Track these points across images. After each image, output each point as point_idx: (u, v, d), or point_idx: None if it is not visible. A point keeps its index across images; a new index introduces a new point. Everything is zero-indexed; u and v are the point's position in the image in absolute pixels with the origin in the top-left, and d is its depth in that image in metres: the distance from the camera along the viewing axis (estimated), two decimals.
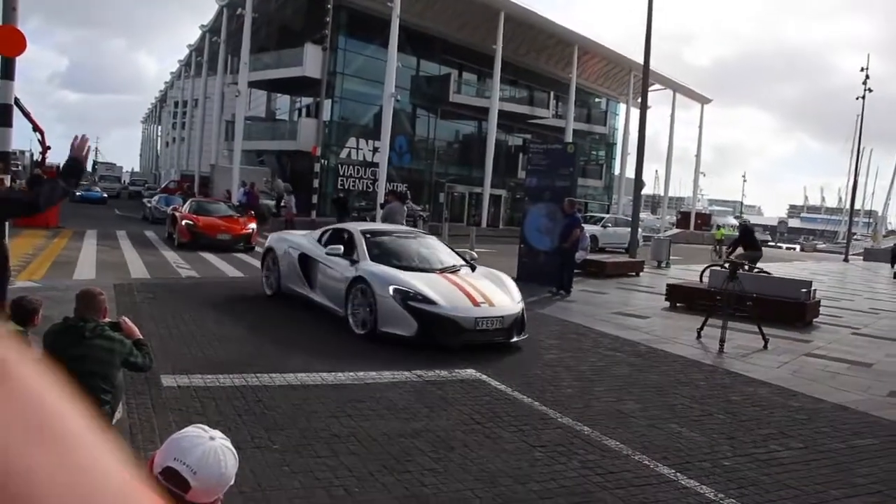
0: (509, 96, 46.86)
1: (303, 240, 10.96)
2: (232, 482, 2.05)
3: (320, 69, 35.77)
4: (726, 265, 16.65)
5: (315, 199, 34.18)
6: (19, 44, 9.75)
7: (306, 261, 10.42)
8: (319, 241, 10.56)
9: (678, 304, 13.76)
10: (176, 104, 76.59)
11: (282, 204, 32.59)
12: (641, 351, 9.50)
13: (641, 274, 19.57)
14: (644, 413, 6.56)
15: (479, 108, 43.74)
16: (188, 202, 22.03)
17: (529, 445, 5.46)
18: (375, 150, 39.48)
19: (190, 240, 18.46)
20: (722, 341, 9.74)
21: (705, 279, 16.14)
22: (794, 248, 73.17)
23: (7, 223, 9.79)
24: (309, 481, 4.42)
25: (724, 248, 17.98)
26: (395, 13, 35.08)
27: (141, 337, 5.20)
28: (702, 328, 10.51)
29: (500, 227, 43.34)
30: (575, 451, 5.41)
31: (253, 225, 19.87)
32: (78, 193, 41.73)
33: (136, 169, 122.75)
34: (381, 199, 35.34)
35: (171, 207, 23.45)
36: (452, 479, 4.67)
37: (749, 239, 17.67)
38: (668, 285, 14.51)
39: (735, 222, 70.91)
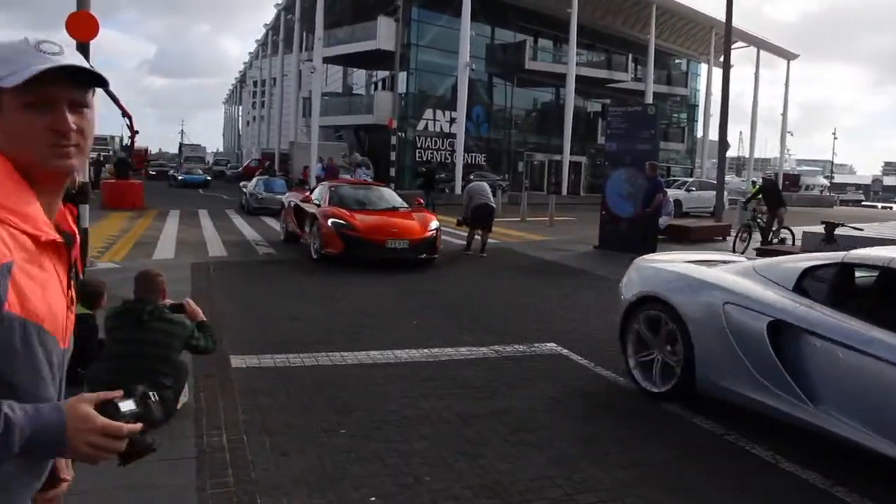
0: (586, 61, 45.64)
1: (754, 286, 5.13)
2: None
3: (394, 42, 35.53)
4: (757, 220, 15.92)
5: (393, 171, 34.07)
6: (92, 28, 9.76)
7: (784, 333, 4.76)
8: (800, 286, 4.88)
9: None
10: (255, 84, 77.98)
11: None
12: None
13: (728, 238, 18.66)
14: None
15: (556, 74, 42.70)
16: (326, 188, 14.11)
17: (617, 423, 5.07)
18: (452, 120, 39.12)
19: (343, 251, 11.88)
20: None
21: (740, 244, 15.31)
22: (891, 207, 69.23)
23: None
24: (377, 468, 4.16)
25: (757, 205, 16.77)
26: None
27: (204, 319, 5.05)
28: None
29: (581, 194, 42.43)
30: (663, 427, 4.99)
31: (435, 223, 12.90)
32: (179, 177, 43.66)
33: (220, 149, 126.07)
34: (459, 171, 35.07)
35: (284, 195, 18.13)
36: (530, 464, 4.33)
37: (773, 195, 16.58)
38: (756, 250, 13.73)
39: (825, 182, 67.66)
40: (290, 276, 11.13)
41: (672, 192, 25.47)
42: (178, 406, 4.72)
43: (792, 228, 16.50)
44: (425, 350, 6.87)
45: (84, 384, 4.73)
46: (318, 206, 12.94)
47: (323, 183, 15.84)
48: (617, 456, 4.52)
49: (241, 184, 27.22)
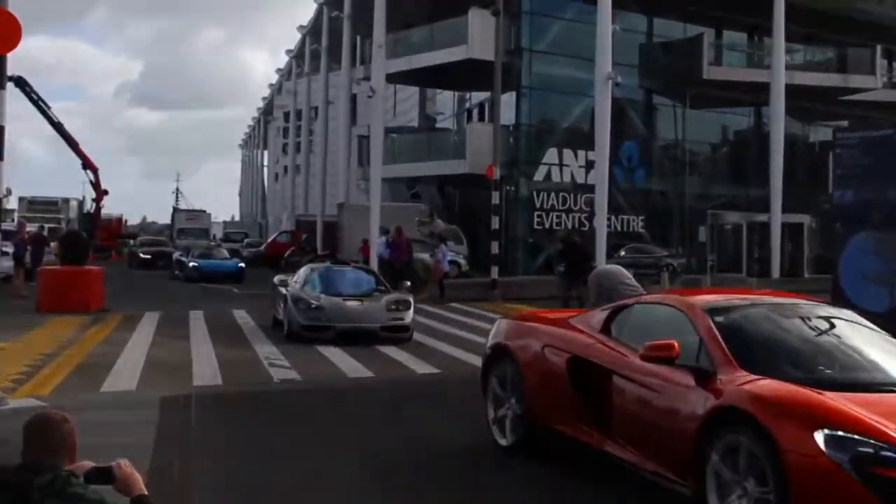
0: (804, 61, 45.34)
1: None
2: None
3: (493, 47, 35.85)
4: None
5: (496, 246, 33.90)
6: (11, 34, 10.01)
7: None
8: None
9: None
10: (286, 117, 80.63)
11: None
12: None
13: None
14: None
15: (754, 85, 42.40)
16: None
17: None
18: (590, 165, 39.19)
19: None
20: None
21: None
22: None
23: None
24: None
25: None
26: None
27: (144, 493, 4.78)
28: None
29: (805, 275, 41.27)
30: None
31: None
32: (191, 263, 39.58)
33: (236, 217, 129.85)
34: (602, 243, 34.49)
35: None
36: None
37: None
38: None
39: None
40: (317, 414, 11.09)
41: None
42: None
43: None
44: None
45: None
46: None
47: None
48: None
49: (277, 279, 22.06)
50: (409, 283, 22.68)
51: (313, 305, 18.81)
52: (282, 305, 19.95)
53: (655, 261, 36.93)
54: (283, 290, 20.35)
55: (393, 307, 19.15)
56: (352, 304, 19.33)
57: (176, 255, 44.31)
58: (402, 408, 11.55)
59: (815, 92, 44.36)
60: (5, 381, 12.34)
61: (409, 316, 19.19)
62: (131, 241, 71.04)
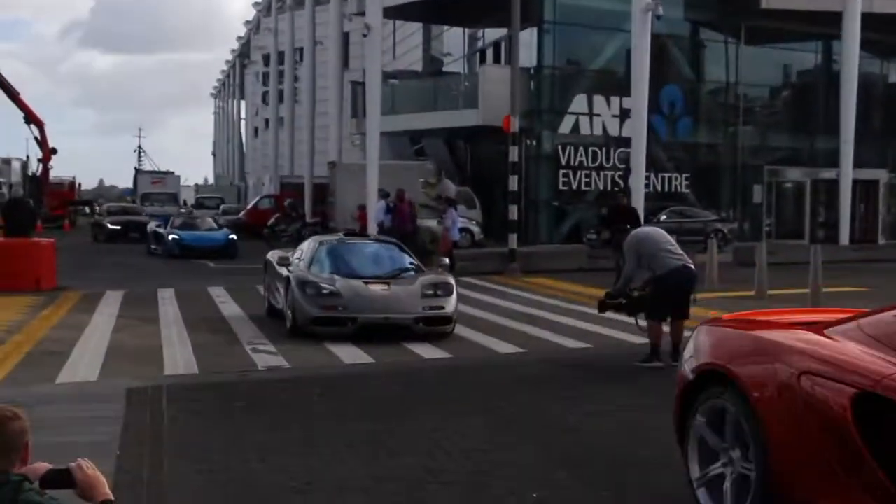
0: None
1: None
2: None
3: None
4: None
5: (514, 211, 33.89)
6: None
7: None
8: None
9: None
10: (266, 60, 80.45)
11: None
12: None
13: None
14: None
15: (823, 14, 42.02)
16: None
17: None
18: (625, 114, 39.11)
19: None
20: None
21: None
22: None
23: None
24: None
25: None
26: None
27: (110, 497, 4.89)
28: None
29: (880, 241, 41.34)
30: None
31: None
32: (171, 236, 37.51)
33: (209, 179, 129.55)
34: (641, 204, 34.54)
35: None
36: None
37: None
38: None
39: None
40: (304, 407, 11.18)
41: None
42: None
43: None
44: None
45: None
46: None
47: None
48: None
49: (273, 257, 20.33)
50: (447, 261, 20.92)
51: (325, 291, 16.28)
52: (281, 291, 17.70)
53: (702, 226, 37.06)
54: (283, 270, 17.99)
55: (430, 292, 16.63)
56: (376, 288, 16.68)
57: (152, 225, 42.01)
58: (405, 400, 11.61)
59: (893, 21, 44.08)
60: None
61: (452, 303, 16.81)
62: (86, 209, 71.00)
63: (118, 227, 46.79)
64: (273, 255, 20.13)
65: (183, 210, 52.65)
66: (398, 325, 16.18)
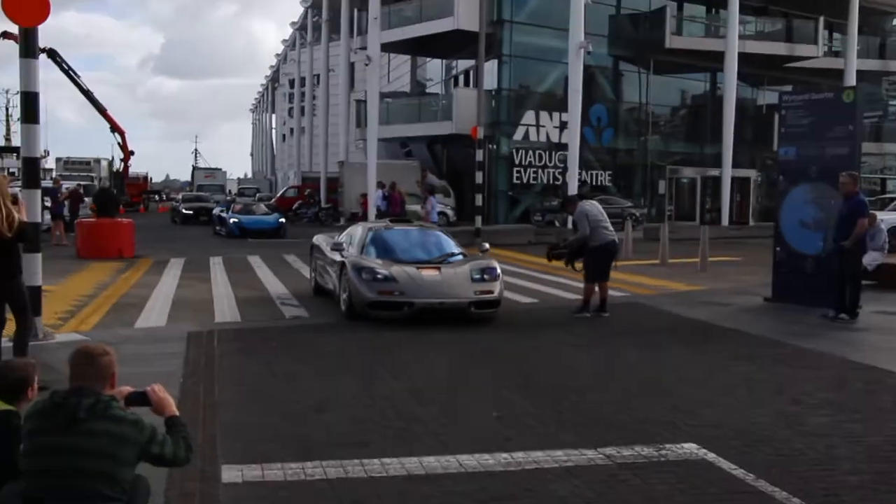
0: (755, 31, 45.29)
1: None
2: None
3: (478, 18, 35.78)
4: None
5: (479, 199, 34.04)
6: (40, 8, 9.98)
7: None
8: None
9: None
10: (291, 84, 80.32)
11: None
12: None
13: None
14: None
15: (711, 53, 42.35)
16: None
17: None
18: (563, 126, 39.20)
19: None
20: None
21: None
22: None
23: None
24: None
25: None
26: None
27: (176, 414, 4.92)
28: None
29: (751, 223, 41.62)
30: None
31: None
32: (233, 220, 34.80)
33: (248, 174, 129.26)
34: (574, 193, 34.78)
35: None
36: None
37: None
38: None
39: None
40: (322, 346, 11.18)
41: (887, 217, 24.61)
42: None
43: None
44: (504, 455, 6.64)
45: None
46: None
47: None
48: None
49: (321, 241, 16.92)
50: (487, 245, 16.77)
51: (381, 276, 13.28)
52: (332, 274, 14.89)
53: (621, 210, 36.88)
54: (335, 255, 14.81)
55: (478, 276, 13.54)
56: (428, 273, 13.63)
57: (216, 210, 39.66)
58: (392, 340, 11.57)
59: (763, 59, 44.29)
60: (52, 319, 12.51)
61: (499, 287, 13.69)
62: (156, 196, 70.98)
63: (191, 212, 45.61)
64: (320, 240, 16.88)
65: (228, 198, 52.37)
66: (453, 308, 13.26)
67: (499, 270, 13.77)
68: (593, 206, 14.66)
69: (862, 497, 5.90)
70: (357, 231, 15.55)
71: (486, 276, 13.40)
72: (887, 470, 6.47)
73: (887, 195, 39.92)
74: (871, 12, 49.56)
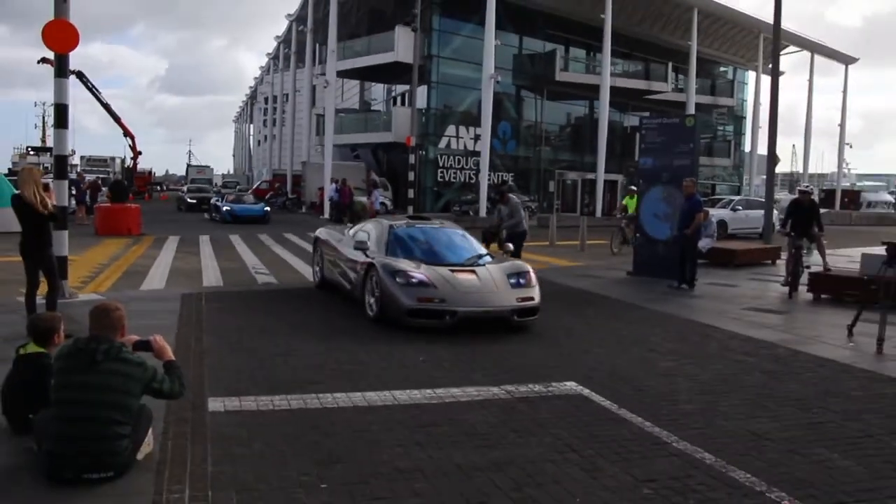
0: (622, 71, 45.59)
1: None
2: None
3: (412, 53, 35.65)
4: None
5: (412, 193, 34.00)
6: (70, 38, 9.88)
7: None
8: None
9: (823, 296, 12.91)
10: (266, 100, 79.34)
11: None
12: (779, 354, 8.59)
13: (778, 262, 18.25)
14: (783, 434, 5.75)
15: (589, 85, 42.67)
16: None
17: (636, 480, 4.78)
18: (477, 137, 39.16)
19: None
20: (880, 340, 8.71)
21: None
22: None
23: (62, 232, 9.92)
24: None
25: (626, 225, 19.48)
26: None
27: (172, 358, 4.92)
28: (853, 324, 9.54)
29: (618, 216, 42.11)
30: (693, 487, 4.69)
31: None
32: (224, 208, 32.74)
33: (230, 171, 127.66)
34: (484, 191, 34.96)
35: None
36: None
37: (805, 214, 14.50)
38: (810, 274, 13.41)
39: (890, 198, 66.29)
40: (287, 307, 11.00)
41: (716, 213, 25.12)
42: (140, 457, 4.54)
43: (848, 250, 16.08)
44: (429, 391, 6.63)
45: (32, 431, 4.59)
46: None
47: None
48: None
49: (324, 233, 13.17)
50: (512, 247, 12.74)
51: (415, 280, 9.46)
52: (351, 275, 10.96)
53: (520, 203, 37.20)
54: (356, 254, 10.80)
55: (514, 281, 9.89)
56: (464, 277, 9.76)
57: (212, 200, 37.45)
58: (338, 297, 11.39)
59: (628, 92, 44.92)
60: (75, 282, 12.28)
61: (538, 292, 9.96)
62: (158, 188, 70.16)
63: (194, 201, 42.76)
64: (323, 233, 13.07)
65: (213, 189, 51.73)
66: (497, 318, 9.49)
67: (532, 273, 10.26)
68: (520, 201, 14.98)
69: (695, 420, 6.06)
70: (372, 227, 11.68)
71: (521, 281, 9.92)
72: (714, 400, 6.67)
73: (716, 196, 40.70)
74: (706, 61, 51.03)
